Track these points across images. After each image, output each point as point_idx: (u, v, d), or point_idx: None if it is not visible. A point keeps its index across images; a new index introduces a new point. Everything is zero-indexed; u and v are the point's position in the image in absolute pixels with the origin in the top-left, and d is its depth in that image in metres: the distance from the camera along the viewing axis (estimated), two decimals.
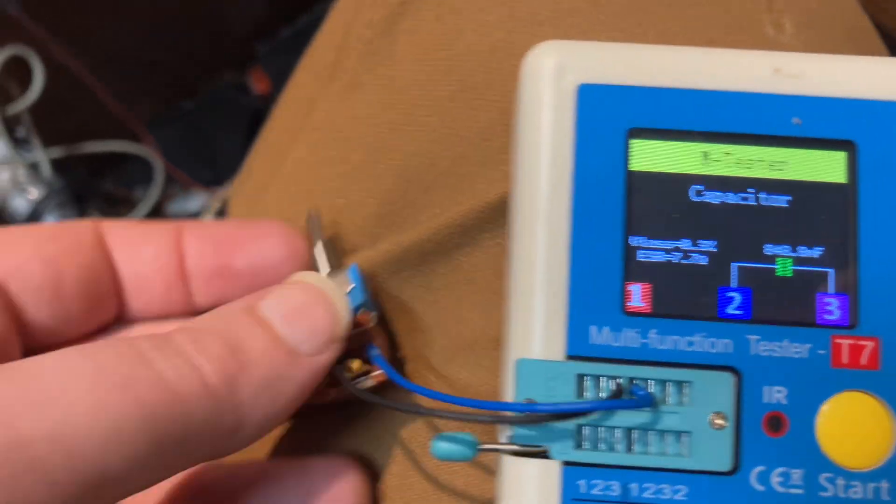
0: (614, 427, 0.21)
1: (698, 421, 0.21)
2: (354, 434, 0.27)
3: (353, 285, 0.24)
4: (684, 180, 0.22)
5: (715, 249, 0.22)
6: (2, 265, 0.25)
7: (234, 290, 0.27)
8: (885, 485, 0.21)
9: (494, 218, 0.27)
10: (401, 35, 0.30)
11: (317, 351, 0.22)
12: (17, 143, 0.76)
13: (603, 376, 0.21)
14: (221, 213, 0.66)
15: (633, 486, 0.21)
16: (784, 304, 0.22)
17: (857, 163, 0.22)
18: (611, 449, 0.21)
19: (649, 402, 0.21)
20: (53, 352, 0.20)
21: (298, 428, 0.28)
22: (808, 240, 0.22)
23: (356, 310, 0.24)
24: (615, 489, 0.21)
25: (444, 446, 0.21)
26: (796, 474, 0.21)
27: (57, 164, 0.75)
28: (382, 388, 0.25)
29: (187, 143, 0.78)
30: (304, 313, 0.23)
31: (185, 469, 0.21)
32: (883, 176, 0.22)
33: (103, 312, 0.27)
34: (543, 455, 0.21)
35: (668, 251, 0.22)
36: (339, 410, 0.27)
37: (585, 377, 0.21)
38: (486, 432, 0.23)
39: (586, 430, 0.21)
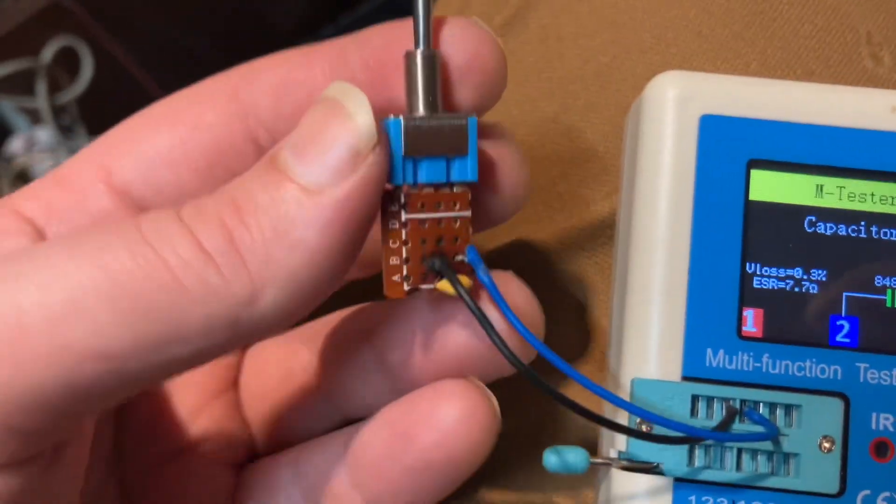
0: (725, 446, 0.22)
1: (807, 444, 0.22)
2: None
3: (466, 150, 0.20)
4: (799, 211, 0.23)
5: (826, 279, 0.23)
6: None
7: None
8: None
9: (594, 237, 0.28)
10: None
11: (336, 178, 0.18)
12: (64, 131, 0.77)
13: (717, 398, 0.22)
14: None
15: None
16: (893, 335, 0.22)
17: None
18: (721, 467, 0.22)
19: (774, 434, 0.21)
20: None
21: None
22: None
23: (457, 184, 0.20)
24: None
25: (556, 459, 0.22)
26: None
27: None
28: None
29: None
30: (315, 136, 0.18)
31: (199, 359, 0.18)
32: None
33: None
34: (656, 471, 0.22)
35: (781, 279, 0.23)
36: None
37: (699, 398, 0.22)
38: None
39: (698, 449, 0.22)
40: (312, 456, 0.24)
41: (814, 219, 0.23)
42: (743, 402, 0.22)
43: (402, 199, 0.20)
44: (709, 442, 0.22)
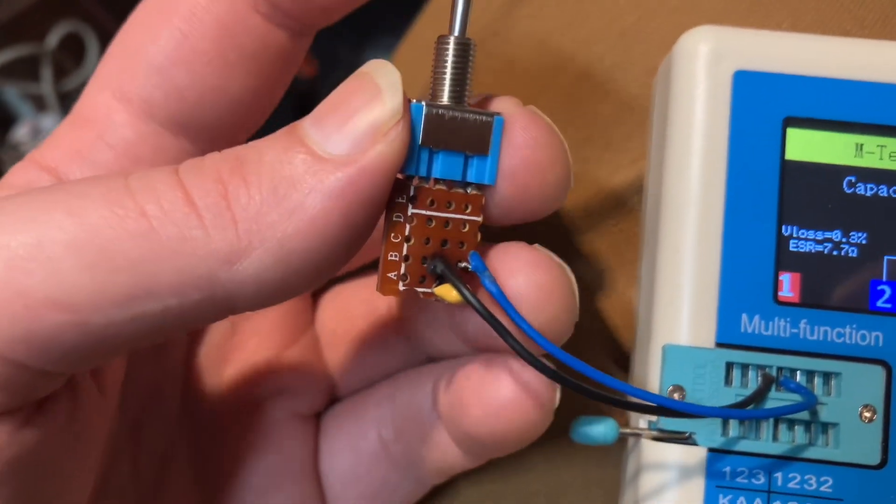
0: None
1: (847, 413, 0.21)
2: None
3: (488, 150, 0.18)
4: (838, 171, 0.22)
5: (866, 242, 0.22)
6: None
7: None
8: None
9: (619, 204, 0.27)
10: (521, 19, 0.30)
11: (352, 149, 0.16)
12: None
13: (752, 365, 0.21)
14: None
15: (778, 476, 0.21)
16: None
17: None
18: (757, 437, 0.21)
19: (813, 402, 0.20)
20: None
21: None
22: None
23: (471, 185, 0.19)
24: (760, 477, 0.21)
25: (584, 430, 0.21)
26: None
27: None
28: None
29: None
30: (338, 106, 0.17)
31: (173, 323, 0.17)
32: None
33: (281, 61, 0.21)
34: (689, 441, 0.21)
35: (819, 242, 0.22)
36: None
37: (734, 365, 0.21)
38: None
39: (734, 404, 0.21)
40: (404, 392, 0.23)
41: (853, 179, 0.22)
42: (779, 369, 0.21)
43: (412, 191, 0.18)
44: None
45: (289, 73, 0.21)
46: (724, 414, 0.20)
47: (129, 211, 0.16)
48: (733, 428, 0.21)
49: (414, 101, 0.18)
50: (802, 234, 0.22)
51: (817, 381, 0.21)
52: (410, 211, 0.18)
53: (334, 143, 0.17)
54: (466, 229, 0.19)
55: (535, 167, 0.19)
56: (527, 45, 0.29)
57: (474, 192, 0.19)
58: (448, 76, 0.18)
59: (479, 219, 0.19)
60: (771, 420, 0.21)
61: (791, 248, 0.22)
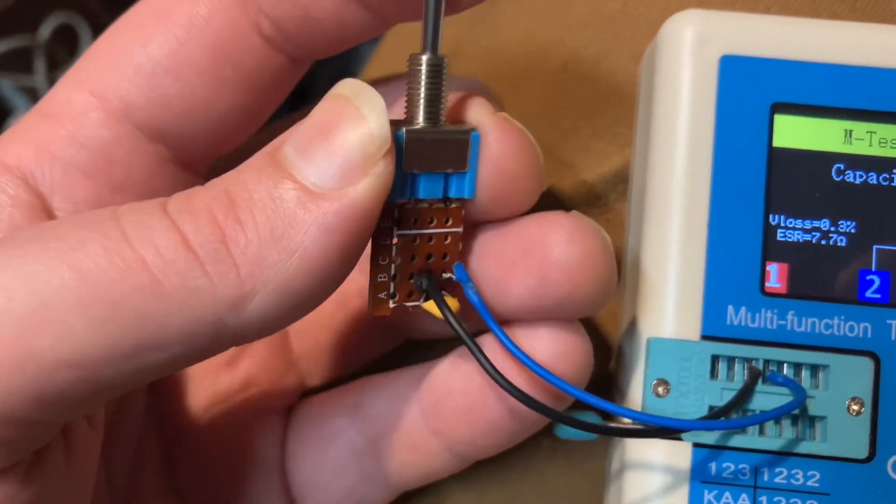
0: (747, 409, 0.21)
1: (834, 406, 0.21)
2: None
3: (466, 165, 0.19)
4: (827, 158, 0.21)
5: (855, 231, 0.21)
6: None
7: None
8: None
9: (606, 192, 0.26)
10: (507, 5, 0.29)
11: (342, 182, 0.16)
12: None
13: (738, 358, 0.21)
14: None
15: (765, 471, 0.20)
16: None
17: None
18: (743, 432, 0.21)
19: (802, 402, 0.20)
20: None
21: None
22: None
23: (451, 200, 0.19)
24: (746, 472, 0.20)
25: (567, 427, 0.21)
26: None
27: None
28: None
29: None
30: (323, 135, 0.17)
31: (176, 365, 0.17)
32: None
33: (273, 86, 0.20)
34: (675, 437, 0.20)
35: (807, 231, 0.21)
36: None
37: (720, 358, 0.21)
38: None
39: (719, 410, 0.21)
40: (376, 397, 0.23)
41: (842, 166, 0.21)
42: (766, 362, 0.21)
43: (396, 215, 0.19)
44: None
45: (280, 96, 0.21)
46: (707, 426, 0.20)
47: (131, 262, 0.15)
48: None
49: (403, 129, 0.18)
50: (790, 223, 0.21)
51: (805, 373, 0.21)
52: (396, 233, 0.19)
53: (324, 176, 0.16)
54: (449, 241, 0.19)
55: (510, 176, 0.19)
56: (513, 32, 0.29)
57: (454, 205, 0.19)
58: (423, 96, 0.18)
59: (460, 230, 0.19)
60: (757, 412, 0.21)
61: (779, 238, 0.21)
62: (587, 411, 0.21)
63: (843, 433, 0.20)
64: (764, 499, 0.20)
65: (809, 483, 0.20)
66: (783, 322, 0.21)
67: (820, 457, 0.21)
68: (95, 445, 0.20)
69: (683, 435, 0.20)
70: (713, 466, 0.21)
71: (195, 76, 0.19)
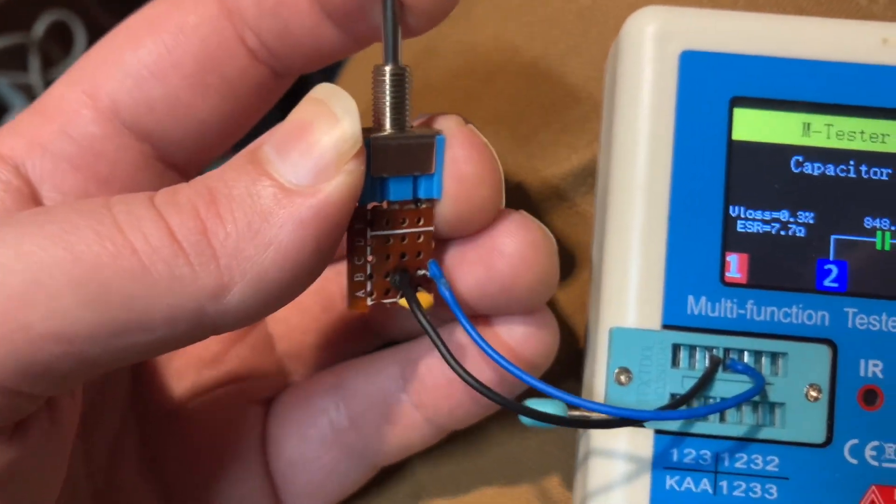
0: (708, 396, 0.21)
1: (793, 393, 0.21)
2: None
3: (433, 167, 0.20)
4: (785, 151, 0.22)
5: (813, 221, 0.22)
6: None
7: None
8: None
9: (574, 186, 0.27)
10: (479, 2, 0.30)
11: (316, 179, 0.17)
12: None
13: (699, 346, 0.21)
14: None
15: (725, 456, 0.21)
16: (883, 278, 0.21)
17: None
18: (704, 419, 0.21)
19: (761, 386, 0.20)
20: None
21: None
22: None
23: (421, 201, 0.20)
24: (707, 458, 0.21)
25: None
26: (891, 448, 0.21)
27: None
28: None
29: None
30: (299, 135, 0.18)
31: (160, 348, 0.18)
32: None
33: (255, 98, 0.21)
34: (637, 423, 0.21)
35: (766, 222, 0.22)
36: None
37: (681, 347, 0.21)
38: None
39: (679, 398, 0.21)
40: (357, 377, 0.24)
41: (801, 158, 0.22)
42: (726, 350, 0.21)
43: (368, 216, 0.20)
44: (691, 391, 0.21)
45: (263, 108, 0.22)
46: (666, 416, 0.20)
47: (121, 247, 0.16)
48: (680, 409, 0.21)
49: (370, 136, 0.19)
50: (750, 214, 0.22)
51: (764, 361, 0.21)
52: (369, 234, 0.20)
53: (299, 174, 0.17)
54: (421, 240, 0.20)
55: (472, 181, 0.20)
56: (485, 29, 0.29)
57: (424, 205, 0.20)
58: (388, 104, 0.19)
59: (432, 228, 0.20)
60: (717, 400, 0.21)
61: (738, 229, 0.22)
62: (553, 400, 0.21)
63: (802, 419, 0.21)
64: (725, 484, 0.21)
65: (769, 468, 0.21)
66: (743, 311, 0.21)
67: (779, 442, 0.21)
68: (74, 421, 0.21)
69: (645, 422, 0.21)
70: (675, 453, 0.21)
71: (179, 81, 0.20)
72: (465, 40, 0.30)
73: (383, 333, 0.25)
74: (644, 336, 0.21)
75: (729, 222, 0.22)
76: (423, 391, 0.23)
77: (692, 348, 0.21)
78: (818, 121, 0.22)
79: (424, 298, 0.21)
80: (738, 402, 0.20)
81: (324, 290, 0.25)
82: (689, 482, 0.21)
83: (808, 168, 0.22)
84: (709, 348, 0.21)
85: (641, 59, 0.22)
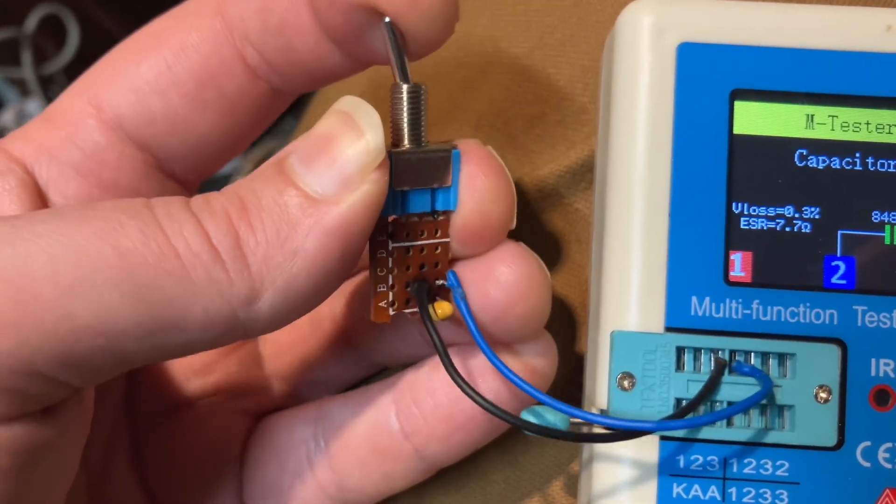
0: (715, 400, 0.20)
1: (802, 394, 0.20)
2: None
3: (449, 181, 0.20)
4: (788, 144, 0.21)
5: (819, 217, 0.21)
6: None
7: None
8: None
9: (574, 182, 0.26)
10: None
11: (341, 190, 0.18)
12: (52, 102, 0.76)
13: (703, 349, 0.21)
14: None
15: (734, 462, 0.20)
16: (893, 274, 0.21)
17: None
18: (711, 424, 0.20)
19: (768, 392, 0.20)
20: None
21: None
22: None
23: (438, 213, 0.21)
24: (715, 464, 0.20)
25: (534, 420, 0.21)
26: None
27: None
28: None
29: None
30: (325, 147, 0.18)
31: (189, 349, 0.19)
32: None
33: (254, 115, 0.22)
34: (640, 434, 0.20)
35: (770, 218, 0.21)
36: None
37: (685, 350, 0.21)
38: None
39: (685, 403, 0.20)
40: (341, 409, 0.24)
41: (805, 152, 0.21)
42: (732, 352, 0.21)
43: (390, 229, 0.20)
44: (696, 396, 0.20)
45: (262, 124, 0.22)
46: (671, 426, 0.20)
47: (165, 249, 0.17)
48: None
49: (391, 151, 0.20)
50: (753, 210, 0.21)
51: (772, 362, 0.21)
52: (391, 246, 0.20)
53: (325, 184, 0.18)
54: (439, 251, 0.21)
55: (486, 196, 0.20)
56: (480, 18, 0.28)
57: (441, 217, 0.21)
58: (406, 121, 0.20)
59: (449, 240, 0.21)
60: (725, 403, 0.20)
61: (742, 227, 0.21)
62: (555, 411, 0.20)
63: (811, 421, 0.20)
64: (734, 491, 0.20)
65: (779, 473, 0.20)
66: (748, 311, 0.21)
67: (789, 446, 0.20)
68: (91, 413, 0.21)
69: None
70: (681, 460, 0.20)
71: (179, 98, 0.20)
72: (460, 30, 0.29)
73: (372, 357, 0.25)
74: (647, 339, 0.21)
75: (732, 219, 0.21)
76: (419, 417, 0.22)
77: (697, 351, 0.21)
78: (822, 112, 0.21)
79: (444, 308, 0.21)
80: (745, 407, 0.20)
81: (315, 313, 0.24)
82: (696, 489, 0.20)
83: (813, 161, 0.21)
84: (714, 350, 0.21)
85: (638, 51, 0.21)
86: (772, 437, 0.20)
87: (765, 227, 0.21)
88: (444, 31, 0.20)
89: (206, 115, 0.21)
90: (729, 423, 0.20)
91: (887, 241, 0.21)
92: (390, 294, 0.21)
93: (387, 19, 0.19)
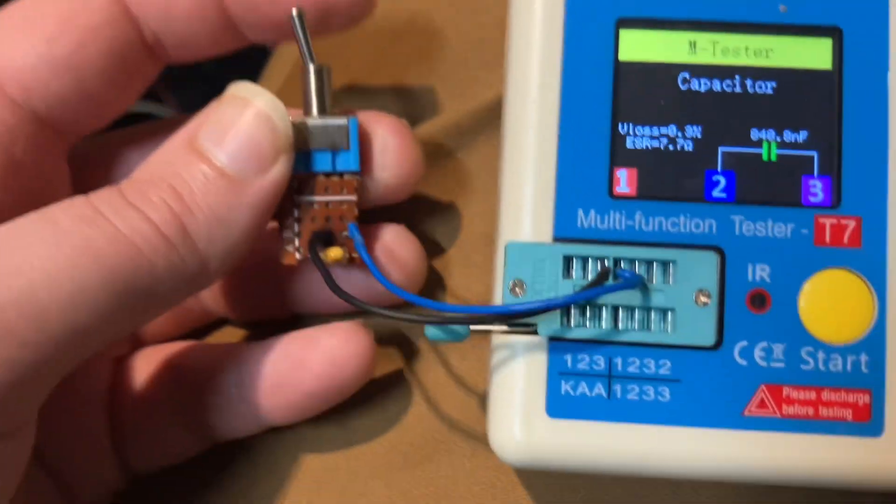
0: (601, 304, 0.22)
1: (683, 298, 0.22)
2: None
3: (348, 145, 0.24)
4: (671, 69, 0.23)
5: (701, 135, 0.22)
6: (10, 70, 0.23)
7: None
8: (864, 357, 0.21)
9: (491, 120, 0.27)
10: None
11: (260, 171, 0.22)
12: None
13: (590, 257, 0.22)
14: None
15: (618, 361, 0.22)
16: (769, 187, 0.22)
17: (843, 49, 0.22)
18: (598, 325, 0.22)
19: (637, 282, 0.21)
20: (12, 221, 0.20)
21: None
22: (794, 125, 0.22)
23: (345, 173, 0.24)
24: (600, 363, 0.22)
25: (435, 330, 0.22)
26: (778, 349, 0.22)
27: None
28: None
29: (209, 102, 0.79)
30: (239, 134, 0.22)
31: (160, 314, 0.22)
32: (866, 62, 0.22)
33: (143, 83, 0.25)
34: (531, 332, 0.22)
35: (654, 137, 0.22)
36: None
37: (573, 258, 0.22)
38: None
39: (574, 308, 0.22)
40: (194, 366, 0.26)
41: (687, 76, 0.23)
42: (616, 260, 0.22)
43: (295, 184, 0.24)
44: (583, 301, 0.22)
45: (139, 92, 0.25)
46: (532, 307, 0.21)
47: (129, 248, 0.20)
48: (574, 317, 0.22)
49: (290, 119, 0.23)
50: (638, 130, 0.23)
51: (655, 269, 0.22)
52: (296, 199, 0.24)
53: (248, 169, 0.22)
54: (345, 207, 0.24)
55: (394, 155, 0.24)
56: None
57: (348, 177, 0.24)
58: (313, 95, 0.24)
59: (354, 198, 0.24)
60: (610, 308, 0.22)
61: (627, 146, 0.22)
62: (456, 324, 0.22)
63: (692, 323, 0.22)
64: (618, 388, 0.22)
65: (661, 371, 0.22)
66: (631, 223, 0.22)
67: (671, 346, 0.22)
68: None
69: (539, 330, 0.22)
70: (568, 359, 0.22)
71: (92, 75, 0.23)
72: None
73: (289, 306, 0.27)
74: (536, 249, 0.22)
75: (617, 139, 0.22)
76: (259, 393, 0.25)
77: (584, 259, 0.22)
78: (704, 38, 0.23)
79: (336, 252, 0.24)
80: (609, 291, 0.21)
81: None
82: (583, 387, 0.22)
83: (695, 84, 0.23)
84: (600, 258, 0.22)
85: None
86: (655, 338, 0.22)
87: (649, 147, 0.22)
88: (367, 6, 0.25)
89: (111, 88, 0.24)
90: (614, 326, 0.22)
91: (765, 158, 0.22)
92: (296, 240, 0.24)
93: (295, 11, 0.23)
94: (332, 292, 0.23)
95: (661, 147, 0.22)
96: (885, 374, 0.21)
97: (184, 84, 0.78)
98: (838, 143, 0.22)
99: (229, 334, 0.28)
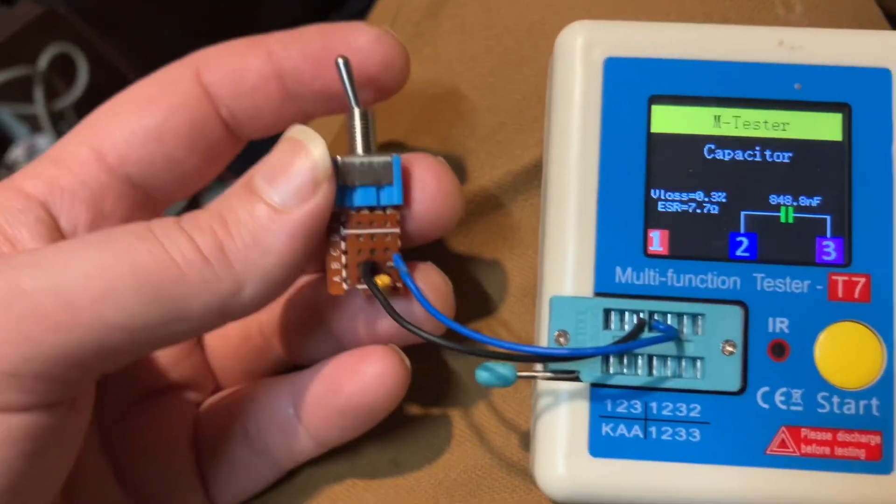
0: (637, 354, 0.24)
1: (711, 348, 0.24)
2: None
3: (392, 181, 0.25)
4: (699, 140, 0.25)
5: (725, 200, 0.25)
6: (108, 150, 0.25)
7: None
8: (875, 402, 0.24)
9: (528, 180, 0.30)
10: (445, 19, 0.33)
11: (298, 200, 0.23)
12: (62, 136, 0.79)
13: (627, 310, 0.25)
14: None
15: (654, 405, 0.24)
16: (787, 247, 0.25)
17: (852, 123, 0.25)
18: (634, 372, 0.24)
19: (673, 336, 0.24)
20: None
21: None
22: (808, 191, 0.25)
23: (388, 207, 0.25)
24: (637, 407, 0.24)
25: (486, 375, 0.25)
26: (797, 394, 0.24)
27: None
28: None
29: None
30: (282, 167, 0.23)
31: (193, 331, 0.23)
32: (873, 134, 0.25)
33: (223, 156, 0.27)
34: (575, 379, 0.24)
35: (684, 202, 0.25)
36: None
37: (611, 311, 0.25)
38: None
39: (612, 356, 0.24)
40: (259, 397, 0.28)
41: (713, 146, 0.25)
42: (651, 313, 0.24)
43: (343, 218, 0.25)
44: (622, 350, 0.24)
45: (226, 163, 0.28)
46: (578, 353, 0.24)
47: (166, 261, 0.22)
48: (613, 365, 0.24)
49: (338, 157, 0.25)
50: (669, 196, 0.25)
51: (686, 321, 0.25)
52: (343, 232, 0.25)
53: (286, 198, 0.23)
54: (389, 239, 0.25)
55: (434, 193, 0.26)
56: (449, 42, 0.33)
57: (390, 211, 0.25)
58: (358, 135, 0.25)
59: (398, 230, 0.25)
60: (646, 357, 0.24)
61: (659, 209, 0.25)
62: (505, 363, 0.24)
63: (719, 370, 0.24)
64: (654, 429, 0.24)
65: (692, 414, 0.24)
66: (664, 279, 0.25)
67: (700, 392, 0.24)
68: (91, 410, 0.25)
69: (582, 377, 0.24)
70: (609, 404, 0.24)
71: (175, 142, 0.26)
72: (433, 53, 0.33)
73: (291, 360, 0.30)
74: (579, 303, 0.24)
75: (650, 203, 0.25)
76: (303, 408, 0.27)
77: (621, 312, 0.25)
78: (727, 113, 0.25)
79: (383, 279, 0.25)
80: (649, 343, 0.24)
81: (244, 327, 0.30)
82: (622, 428, 0.24)
83: (720, 154, 0.25)
84: (636, 311, 0.24)
85: (572, 65, 0.25)
86: (686, 384, 0.24)
87: (679, 211, 0.25)
88: (403, 80, 0.27)
89: (193, 157, 0.26)
90: (650, 374, 0.24)
91: (782, 220, 0.25)
92: (343, 271, 0.25)
93: (340, 59, 0.25)
94: (370, 328, 0.26)
95: (690, 210, 0.25)
96: (894, 417, 0.24)
97: None
98: (849, 208, 0.25)
99: None
